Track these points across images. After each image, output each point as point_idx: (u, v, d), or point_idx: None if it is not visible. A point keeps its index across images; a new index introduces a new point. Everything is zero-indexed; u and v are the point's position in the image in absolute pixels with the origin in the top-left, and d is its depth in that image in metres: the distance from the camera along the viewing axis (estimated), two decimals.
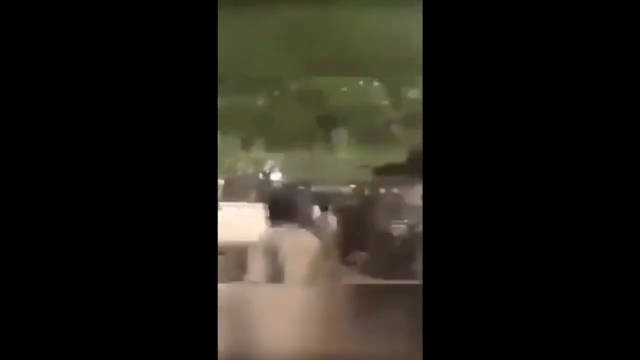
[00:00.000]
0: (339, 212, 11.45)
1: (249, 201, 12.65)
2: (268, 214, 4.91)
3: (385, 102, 11.25)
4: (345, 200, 11.83)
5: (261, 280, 3.76)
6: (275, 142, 12.64)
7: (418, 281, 2.53)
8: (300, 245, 4.52)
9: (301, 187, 11.93)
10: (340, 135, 12.40)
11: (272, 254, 4.09)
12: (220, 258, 2.79)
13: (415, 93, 10.11)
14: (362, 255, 9.26)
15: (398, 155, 12.03)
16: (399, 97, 10.76)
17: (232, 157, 15.02)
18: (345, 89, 10.72)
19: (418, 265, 10.15)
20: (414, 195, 10.87)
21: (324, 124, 12.12)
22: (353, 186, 11.98)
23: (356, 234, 10.60)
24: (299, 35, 3.44)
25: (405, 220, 10.05)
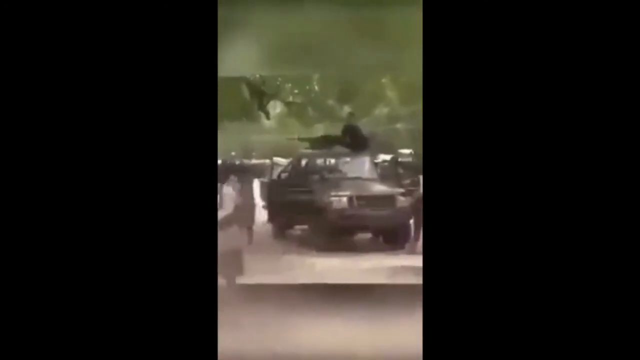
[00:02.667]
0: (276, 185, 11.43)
1: None
2: None
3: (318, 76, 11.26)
4: (282, 172, 11.78)
5: None
6: None
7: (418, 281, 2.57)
8: None
9: None
10: (275, 107, 12.33)
11: None
12: None
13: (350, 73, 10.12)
14: None
15: (333, 128, 12.06)
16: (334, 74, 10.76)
17: None
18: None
19: (358, 237, 10.29)
20: (351, 167, 10.93)
21: (256, 97, 12.02)
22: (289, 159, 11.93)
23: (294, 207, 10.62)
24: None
25: (347, 192, 10.09)
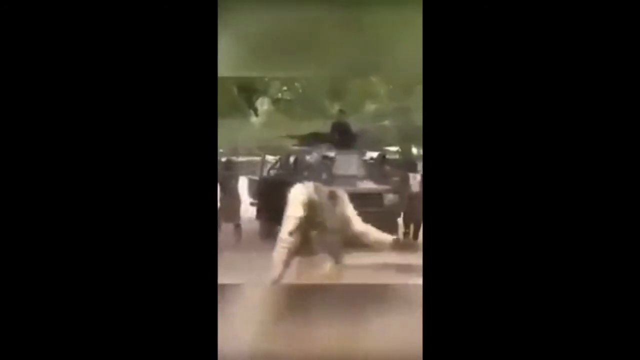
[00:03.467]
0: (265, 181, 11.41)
1: None
2: None
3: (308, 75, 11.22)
4: (271, 169, 11.77)
5: None
6: None
7: (418, 281, 2.59)
8: None
9: None
10: (263, 104, 12.31)
11: None
12: None
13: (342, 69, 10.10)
14: None
15: (322, 125, 12.06)
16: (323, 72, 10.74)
17: None
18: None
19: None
20: (340, 164, 10.92)
21: (245, 93, 12.00)
22: (277, 156, 11.91)
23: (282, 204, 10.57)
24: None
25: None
